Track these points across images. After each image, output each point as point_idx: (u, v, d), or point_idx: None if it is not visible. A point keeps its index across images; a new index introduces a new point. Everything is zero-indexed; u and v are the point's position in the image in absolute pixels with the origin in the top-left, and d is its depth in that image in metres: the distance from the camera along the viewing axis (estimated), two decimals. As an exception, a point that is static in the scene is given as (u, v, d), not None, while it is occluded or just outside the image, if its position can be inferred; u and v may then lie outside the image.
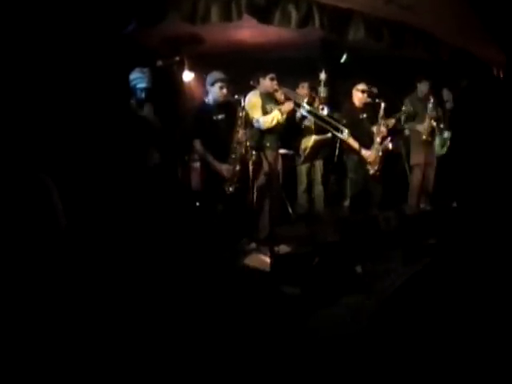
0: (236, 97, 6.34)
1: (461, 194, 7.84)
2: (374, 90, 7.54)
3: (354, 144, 7.42)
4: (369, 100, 7.57)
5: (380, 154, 7.47)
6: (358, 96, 7.61)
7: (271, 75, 6.97)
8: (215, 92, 6.43)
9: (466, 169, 7.96)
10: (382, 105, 7.47)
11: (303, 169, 8.15)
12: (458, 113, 8.25)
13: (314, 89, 7.84)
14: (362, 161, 7.51)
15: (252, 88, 7.08)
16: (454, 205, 8.69)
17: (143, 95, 6.21)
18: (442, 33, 6.57)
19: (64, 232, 3.94)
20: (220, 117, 6.46)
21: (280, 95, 7.15)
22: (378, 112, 7.52)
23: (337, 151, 7.61)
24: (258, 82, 7.06)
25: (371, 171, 7.48)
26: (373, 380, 2.52)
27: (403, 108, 7.99)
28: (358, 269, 5.50)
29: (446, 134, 8.82)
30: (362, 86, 7.58)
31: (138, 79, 6.18)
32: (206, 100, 6.55)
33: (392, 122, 7.79)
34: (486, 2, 6.53)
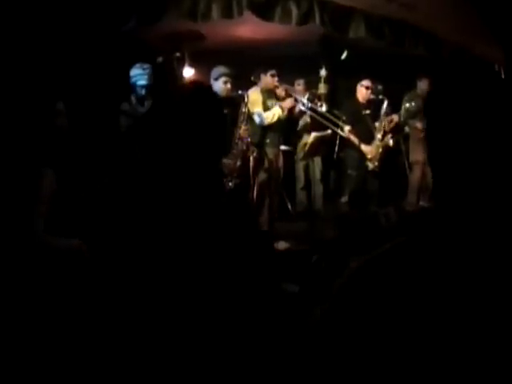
0: (240, 92, 6.35)
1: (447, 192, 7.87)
2: (379, 87, 7.57)
3: (355, 140, 7.44)
4: (372, 97, 7.61)
5: (380, 150, 7.49)
6: (362, 92, 7.66)
7: (272, 71, 7.00)
8: (219, 86, 6.43)
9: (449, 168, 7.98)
10: (385, 102, 7.50)
11: (301, 166, 8.18)
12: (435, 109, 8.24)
13: (310, 86, 7.87)
14: (361, 157, 7.53)
15: (253, 84, 7.09)
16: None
17: (144, 92, 6.23)
18: (443, 31, 6.57)
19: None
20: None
21: (281, 91, 7.18)
22: (381, 108, 7.55)
23: (336, 148, 7.61)
24: (259, 78, 7.08)
25: (370, 166, 7.50)
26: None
27: (406, 105, 7.98)
28: (354, 265, 5.49)
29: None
30: (366, 83, 7.63)
31: (139, 76, 6.19)
32: (210, 94, 6.56)
33: (395, 118, 7.81)
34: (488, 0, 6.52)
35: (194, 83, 7.07)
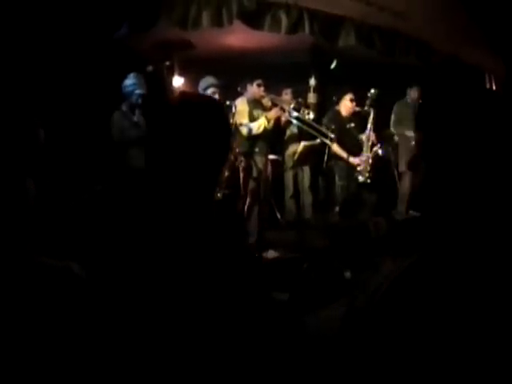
0: (228, 103, 6.33)
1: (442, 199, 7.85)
2: (372, 91, 7.49)
3: (342, 153, 7.44)
4: (357, 109, 7.59)
5: (370, 161, 7.49)
6: (347, 105, 7.61)
7: (258, 81, 6.98)
8: None
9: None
10: (372, 113, 7.49)
11: (290, 175, 8.17)
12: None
13: (298, 95, 7.86)
14: (351, 168, 7.52)
15: (239, 94, 7.07)
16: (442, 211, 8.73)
17: (139, 101, 6.22)
18: (435, 40, 6.58)
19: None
20: None
21: (267, 102, 7.16)
22: (367, 120, 7.54)
23: (325, 157, 7.60)
24: (246, 89, 7.06)
25: (361, 179, 7.49)
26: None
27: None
28: (347, 274, 5.50)
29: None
30: (349, 96, 7.59)
31: (135, 85, 6.18)
32: (198, 105, 6.51)
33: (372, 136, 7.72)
34: (484, 7, 6.52)
35: (199, 96, 7.07)
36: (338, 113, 7.70)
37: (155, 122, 1.93)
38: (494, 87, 7.46)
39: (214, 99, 2.50)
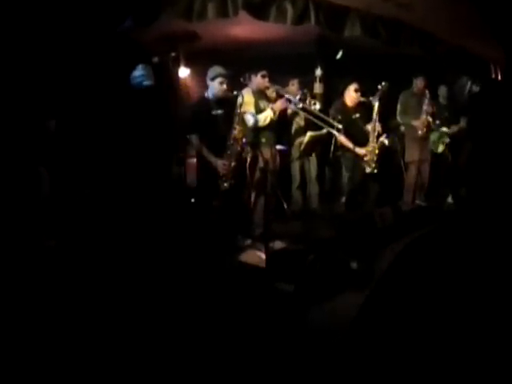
0: (235, 93, 6.32)
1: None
2: (383, 84, 7.44)
3: (348, 144, 7.43)
4: (362, 99, 7.56)
5: (377, 151, 7.47)
6: (351, 96, 7.58)
7: (263, 72, 6.93)
8: (215, 87, 6.39)
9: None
10: (377, 103, 7.45)
11: (296, 166, 8.17)
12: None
13: (304, 86, 7.84)
14: (358, 158, 7.51)
15: (244, 85, 7.05)
16: (450, 200, 8.75)
17: (147, 92, 6.24)
18: (439, 30, 6.56)
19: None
20: (219, 112, 6.42)
21: (271, 93, 7.13)
22: (372, 110, 7.51)
23: (332, 147, 7.58)
24: (250, 79, 7.04)
25: (368, 169, 7.47)
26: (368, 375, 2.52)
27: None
28: (354, 265, 5.50)
29: (443, 130, 8.83)
30: (354, 86, 7.55)
31: (143, 76, 6.20)
32: (206, 95, 6.52)
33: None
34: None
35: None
36: (344, 103, 7.69)
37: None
38: (499, 78, 7.45)
39: None
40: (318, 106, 7.27)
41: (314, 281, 5.04)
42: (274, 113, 6.85)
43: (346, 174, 7.73)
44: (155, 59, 6.82)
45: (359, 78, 7.65)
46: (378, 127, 7.52)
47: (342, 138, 7.34)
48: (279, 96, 7.07)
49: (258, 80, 6.94)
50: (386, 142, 7.50)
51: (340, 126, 7.09)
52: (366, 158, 7.46)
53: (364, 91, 7.59)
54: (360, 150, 7.46)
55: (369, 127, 7.56)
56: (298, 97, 7.17)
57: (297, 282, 5.07)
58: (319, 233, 6.46)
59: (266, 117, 6.81)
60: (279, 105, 6.91)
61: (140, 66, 6.23)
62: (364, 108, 7.65)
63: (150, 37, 6.64)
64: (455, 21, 6.42)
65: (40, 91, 5.04)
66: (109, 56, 6.19)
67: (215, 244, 6.08)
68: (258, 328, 4.02)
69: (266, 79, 6.94)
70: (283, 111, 7.14)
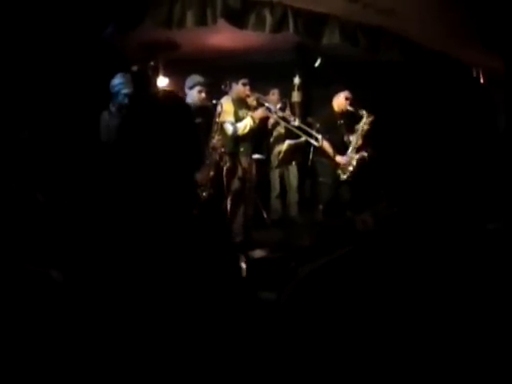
0: (214, 101, 6.30)
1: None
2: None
3: (329, 150, 7.43)
4: (351, 109, 7.54)
5: (354, 163, 7.48)
6: (340, 102, 7.56)
7: (244, 80, 6.89)
8: (193, 95, 6.38)
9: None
10: (365, 115, 7.43)
11: (276, 174, 8.15)
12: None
13: (285, 95, 7.84)
14: (333, 164, 7.52)
15: (225, 93, 7.04)
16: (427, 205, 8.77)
17: (126, 100, 6.20)
18: (421, 36, 6.57)
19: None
20: (197, 121, 6.41)
21: (252, 101, 7.10)
22: (356, 120, 7.51)
23: (311, 155, 7.58)
24: (231, 87, 7.02)
25: (343, 176, 7.49)
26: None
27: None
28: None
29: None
30: (346, 94, 7.53)
31: (122, 84, 6.16)
32: (184, 103, 6.49)
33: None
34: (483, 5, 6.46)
35: (167, 93, 7.04)
36: (331, 109, 7.69)
37: (124, 125, 1.92)
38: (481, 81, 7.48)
39: (181, 100, 2.48)
40: (296, 123, 7.20)
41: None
42: (254, 121, 6.82)
43: (322, 180, 7.73)
44: (134, 68, 6.79)
45: (342, 86, 7.65)
46: (360, 140, 7.53)
47: (325, 144, 7.33)
48: (259, 104, 7.04)
49: (239, 88, 6.90)
50: (366, 154, 7.50)
51: (319, 137, 7.10)
52: (342, 166, 7.47)
53: (352, 101, 7.58)
54: (340, 159, 7.47)
55: (351, 138, 7.56)
56: (278, 106, 7.18)
57: (278, 290, 5.04)
58: (299, 240, 6.44)
59: (246, 125, 6.77)
60: (259, 113, 6.87)
61: (119, 74, 6.19)
62: (348, 116, 7.65)
63: (130, 45, 6.62)
64: (439, 25, 6.43)
65: (14, 99, 4.98)
66: (89, 64, 6.16)
67: (194, 253, 6.05)
68: (242, 338, 3.98)
69: (247, 87, 6.90)
70: (264, 120, 7.12)
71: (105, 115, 6.24)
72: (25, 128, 5.34)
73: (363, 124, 7.48)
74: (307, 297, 1.37)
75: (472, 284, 1.31)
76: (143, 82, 6.78)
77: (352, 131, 7.58)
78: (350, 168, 7.47)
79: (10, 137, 5.06)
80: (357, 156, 7.48)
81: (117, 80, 6.18)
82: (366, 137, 7.60)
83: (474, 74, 7.49)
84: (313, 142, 7.09)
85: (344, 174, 7.48)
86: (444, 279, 1.29)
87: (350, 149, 7.51)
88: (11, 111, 5.06)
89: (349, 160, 7.48)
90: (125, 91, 6.18)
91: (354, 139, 7.53)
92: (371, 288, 1.29)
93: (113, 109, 6.28)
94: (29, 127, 5.39)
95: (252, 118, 6.80)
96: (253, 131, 6.92)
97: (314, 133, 7.07)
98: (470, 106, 1.46)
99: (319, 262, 1.55)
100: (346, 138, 7.61)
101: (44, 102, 5.70)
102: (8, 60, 4.99)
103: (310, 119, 7.49)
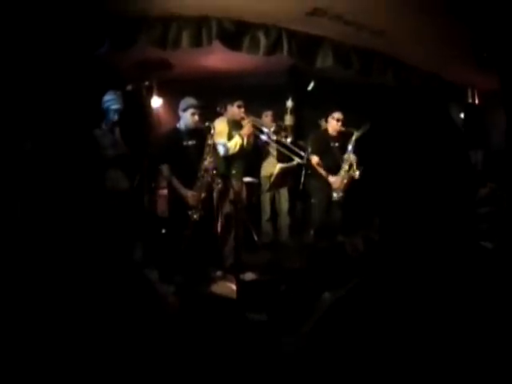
0: (207, 124, 6.31)
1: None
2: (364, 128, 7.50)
3: (322, 171, 7.46)
4: (342, 129, 7.58)
5: (345, 181, 7.51)
6: (333, 124, 7.61)
7: (238, 102, 6.92)
8: (187, 118, 6.40)
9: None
10: (354, 134, 7.49)
11: (267, 198, 8.14)
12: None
13: (278, 118, 7.86)
14: (325, 187, 7.54)
15: (218, 115, 7.04)
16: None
17: (116, 117, 6.22)
18: (416, 58, 6.59)
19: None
20: (190, 143, 6.43)
21: (246, 123, 7.10)
22: (349, 140, 7.56)
23: (302, 179, 7.58)
24: (226, 109, 7.03)
25: (335, 196, 7.52)
26: None
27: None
28: (326, 296, 5.46)
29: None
30: (337, 115, 7.59)
31: (112, 101, 6.20)
32: (178, 125, 6.52)
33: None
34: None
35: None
36: (325, 130, 7.75)
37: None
38: (476, 102, 7.50)
39: None
40: (289, 140, 7.24)
41: (286, 311, 5.00)
42: (242, 138, 6.81)
43: (313, 202, 7.73)
44: (129, 87, 6.81)
45: (334, 108, 7.68)
46: (352, 158, 7.56)
47: (316, 164, 7.35)
48: (254, 127, 7.03)
49: (234, 110, 6.92)
50: (357, 174, 7.53)
51: (315, 159, 7.13)
52: (334, 186, 7.50)
53: (344, 122, 7.61)
54: (331, 179, 7.50)
55: (345, 157, 7.59)
56: (272, 128, 7.19)
57: (269, 312, 5.02)
58: (290, 263, 6.42)
59: (236, 143, 6.77)
60: (246, 130, 6.86)
61: (110, 91, 6.22)
62: (344, 138, 7.69)
63: (125, 63, 6.64)
64: (433, 47, 6.44)
65: (15, 112, 4.98)
66: (84, 83, 6.17)
67: (186, 275, 6.02)
68: (230, 359, 3.96)
69: (242, 109, 6.91)
70: (251, 137, 7.09)
71: (96, 133, 6.26)
72: (28, 139, 5.35)
73: (354, 140, 7.53)
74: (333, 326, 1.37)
75: (470, 301, 1.31)
76: (134, 102, 6.80)
77: (345, 152, 7.62)
78: (342, 188, 7.50)
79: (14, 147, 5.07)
80: (347, 174, 7.52)
81: (108, 96, 6.21)
82: (357, 155, 7.66)
83: (469, 94, 7.55)
84: (297, 159, 7.08)
85: (337, 194, 7.50)
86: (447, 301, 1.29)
87: (342, 167, 7.54)
88: (14, 123, 5.07)
89: (341, 179, 7.50)
90: (114, 107, 6.21)
91: (346, 157, 7.56)
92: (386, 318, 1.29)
93: (104, 127, 6.30)
94: (32, 138, 5.40)
95: (240, 135, 6.80)
96: (244, 152, 6.92)
97: (297, 150, 7.07)
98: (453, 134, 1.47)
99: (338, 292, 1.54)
100: (340, 160, 7.64)
101: (44, 115, 5.71)
102: (9, 74, 5.00)
103: (302, 143, 7.50)
